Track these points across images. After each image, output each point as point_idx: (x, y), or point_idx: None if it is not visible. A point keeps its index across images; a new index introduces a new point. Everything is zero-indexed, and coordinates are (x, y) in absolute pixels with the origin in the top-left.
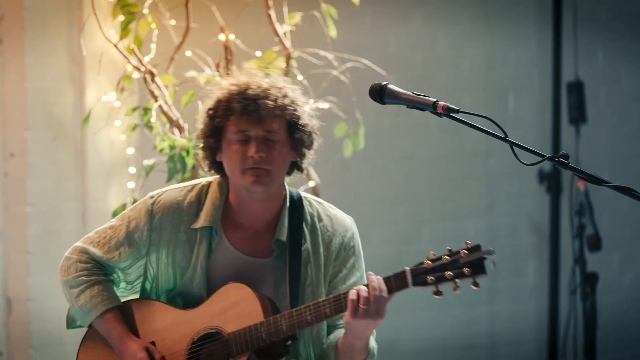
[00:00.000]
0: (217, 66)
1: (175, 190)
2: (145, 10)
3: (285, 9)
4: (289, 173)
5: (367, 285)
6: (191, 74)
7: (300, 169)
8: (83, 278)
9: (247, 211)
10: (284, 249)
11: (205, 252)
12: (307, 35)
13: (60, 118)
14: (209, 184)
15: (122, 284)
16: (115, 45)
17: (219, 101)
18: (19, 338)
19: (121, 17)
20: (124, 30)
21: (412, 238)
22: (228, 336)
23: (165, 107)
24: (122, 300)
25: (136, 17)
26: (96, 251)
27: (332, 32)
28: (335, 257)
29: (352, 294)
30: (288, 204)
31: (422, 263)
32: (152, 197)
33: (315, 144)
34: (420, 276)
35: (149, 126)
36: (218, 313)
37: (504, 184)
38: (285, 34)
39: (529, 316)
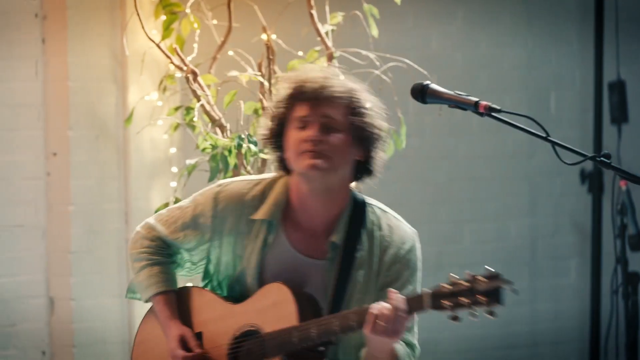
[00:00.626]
0: (259, 66)
1: (242, 182)
2: (188, 10)
3: (327, 9)
4: (358, 178)
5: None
6: (233, 73)
7: (369, 172)
8: (145, 255)
9: (308, 209)
10: (338, 252)
11: (260, 246)
12: (349, 34)
13: (103, 117)
14: (275, 180)
15: (187, 264)
16: (158, 45)
17: (280, 95)
18: (61, 337)
19: (163, 17)
20: (166, 29)
21: (453, 238)
22: (265, 336)
23: (207, 107)
24: (186, 280)
25: (178, 16)
26: (163, 229)
27: (374, 31)
28: (388, 267)
29: (374, 309)
30: (351, 208)
31: (442, 287)
32: (219, 186)
33: (383, 146)
34: (437, 300)
35: (191, 125)
36: (258, 311)
37: (545, 184)
38: (327, 33)
39: (570, 316)
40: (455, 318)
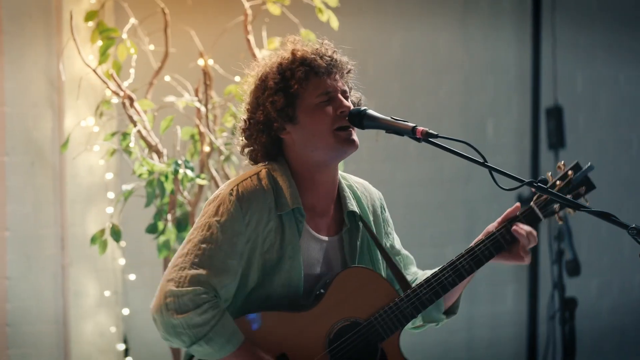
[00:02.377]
0: (196, 91)
1: (247, 180)
2: (124, 35)
3: (264, 34)
4: None
5: (507, 226)
6: (170, 99)
7: None
8: (210, 311)
9: (318, 188)
10: (354, 220)
11: (296, 236)
12: None
13: (39, 143)
14: (269, 168)
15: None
16: (94, 70)
17: (287, 69)
18: None
19: (100, 42)
20: (103, 55)
21: None
22: (371, 322)
23: (144, 132)
24: None
25: (115, 42)
26: (207, 274)
27: None
28: (380, 215)
29: (521, 232)
30: None
31: (541, 195)
32: (231, 194)
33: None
34: (546, 208)
35: (127, 151)
36: (344, 303)
37: (483, 209)
38: (264, 58)
39: (507, 342)
40: (561, 219)
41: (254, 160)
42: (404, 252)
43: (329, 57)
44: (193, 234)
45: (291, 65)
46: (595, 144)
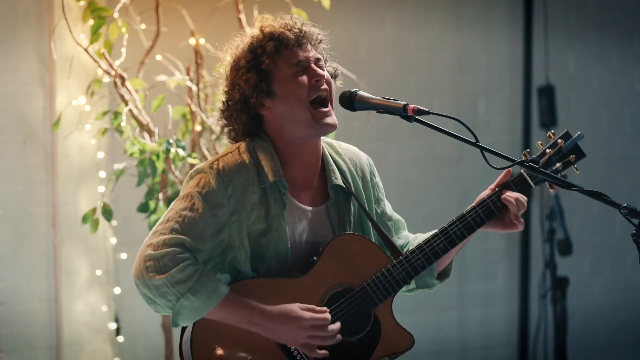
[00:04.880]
0: (187, 70)
1: (227, 155)
2: (116, 14)
3: (255, 13)
4: None
5: (497, 193)
6: (161, 78)
7: None
8: (190, 268)
9: (301, 160)
10: (341, 192)
11: (281, 208)
12: None
13: (31, 122)
14: (251, 142)
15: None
16: (86, 50)
17: (258, 46)
18: None
19: (91, 21)
20: (94, 34)
21: None
22: (364, 288)
23: (135, 111)
24: None
25: (106, 21)
26: (187, 239)
27: None
28: (370, 181)
29: (509, 199)
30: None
31: (533, 161)
32: (211, 168)
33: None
34: (535, 175)
35: (119, 130)
36: (337, 269)
37: (475, 188)
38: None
39: (499, 320)
40: (552, 187)
41: (234, 139)
42: (396, 216)
43: (298, 29)
44: (175, 203)
45: (261, 42)
46: (587, 123)
